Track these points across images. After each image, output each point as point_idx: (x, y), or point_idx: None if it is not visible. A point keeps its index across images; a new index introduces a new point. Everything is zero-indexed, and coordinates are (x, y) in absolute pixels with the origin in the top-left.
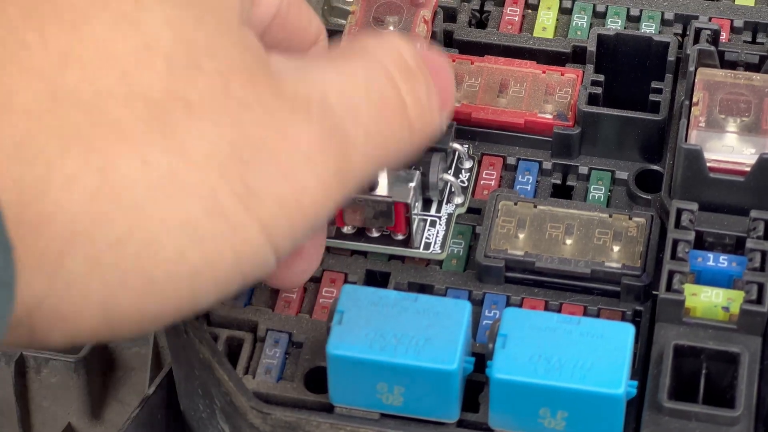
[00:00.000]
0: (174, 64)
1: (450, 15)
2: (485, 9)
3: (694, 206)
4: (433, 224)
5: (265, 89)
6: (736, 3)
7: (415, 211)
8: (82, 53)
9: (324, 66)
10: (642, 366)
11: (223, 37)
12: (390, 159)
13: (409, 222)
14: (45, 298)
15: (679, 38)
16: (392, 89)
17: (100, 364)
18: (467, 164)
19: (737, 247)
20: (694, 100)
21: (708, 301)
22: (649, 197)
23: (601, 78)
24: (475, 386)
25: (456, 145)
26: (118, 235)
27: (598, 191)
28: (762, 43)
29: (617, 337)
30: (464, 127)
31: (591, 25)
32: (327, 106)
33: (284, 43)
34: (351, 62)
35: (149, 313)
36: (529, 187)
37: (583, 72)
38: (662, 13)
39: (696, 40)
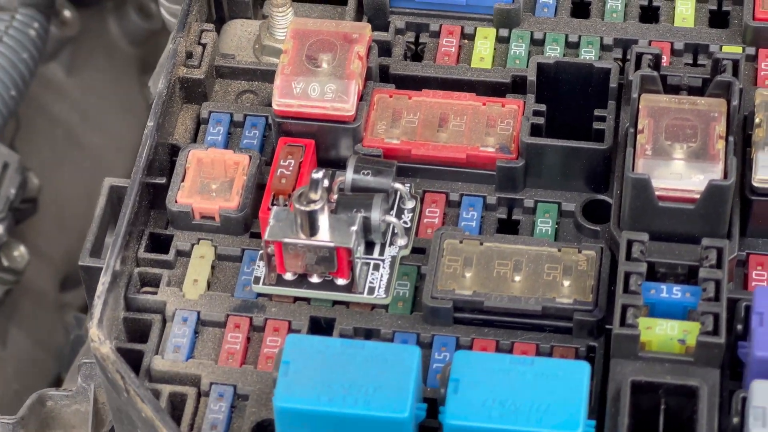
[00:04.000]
0: None
1: (385, 49)
2: (420, 41)
3: (645, 237)
4: (376, 268)
5: None
6: (675, 25)
7: (358, 255)
8: None
9: None
10: (598, 404)
11: None
12: None
13: (351, 267)
14: None
15: (620, 63)
16: None
17: (38, 424)
18: (410, 204)
19: (690, 276)
20: (639, 127)
21: (663, 334)
22: (598, 228)
23: (543, 108)
24: None
25: (398, 185)
26: None
27: (545, 224)
28: (703, 65)
29: (572, 377)
30: (405, 164)
31: (530, 54)
32: None
33: None
34: None
35: None
36: (474, 224)
37: (524, 102)
38: (601, 38)
39: (638, 66)
